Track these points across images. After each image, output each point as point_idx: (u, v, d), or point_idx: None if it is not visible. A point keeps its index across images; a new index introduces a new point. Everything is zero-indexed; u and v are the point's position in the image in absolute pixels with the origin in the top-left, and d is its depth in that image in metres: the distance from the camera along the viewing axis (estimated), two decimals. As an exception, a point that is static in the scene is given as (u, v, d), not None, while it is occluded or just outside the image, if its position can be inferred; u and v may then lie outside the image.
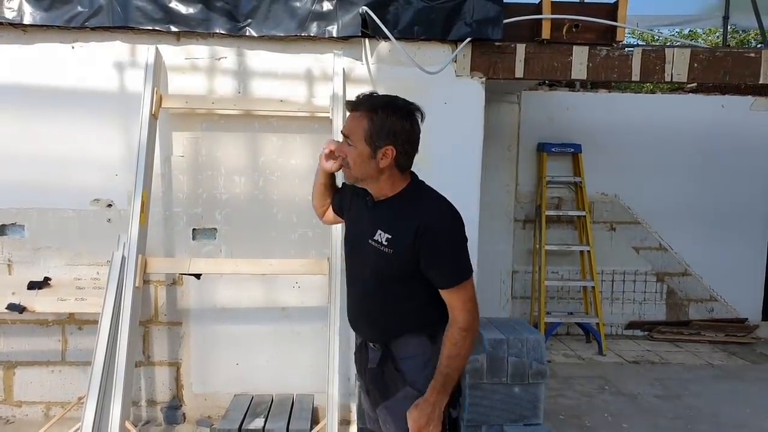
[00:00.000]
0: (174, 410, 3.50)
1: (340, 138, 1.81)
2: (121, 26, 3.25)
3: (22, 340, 3.44)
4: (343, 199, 2.03)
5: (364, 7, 3.28)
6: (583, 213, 5.34)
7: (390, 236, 1.69)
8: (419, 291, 1.74)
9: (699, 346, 5.36)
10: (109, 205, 3.42)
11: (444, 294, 1.70)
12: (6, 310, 3.10)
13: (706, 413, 3.83)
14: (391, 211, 1.74)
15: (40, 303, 3.17)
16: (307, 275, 3.41)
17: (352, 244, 1.88)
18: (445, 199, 1.75)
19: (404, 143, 1.70)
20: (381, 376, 1.82)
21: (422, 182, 1.81)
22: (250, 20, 3.30)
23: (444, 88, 3.45)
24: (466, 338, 1.67)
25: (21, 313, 3.10)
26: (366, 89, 3.37)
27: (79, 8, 3.21)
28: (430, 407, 1.66)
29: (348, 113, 1.77)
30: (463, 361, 1.69)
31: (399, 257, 1.68)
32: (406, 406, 1.70)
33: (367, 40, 3.43)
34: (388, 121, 1.67)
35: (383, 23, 3.24)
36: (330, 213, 2.15)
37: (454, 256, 1.69)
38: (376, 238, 1.72)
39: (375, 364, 1.83)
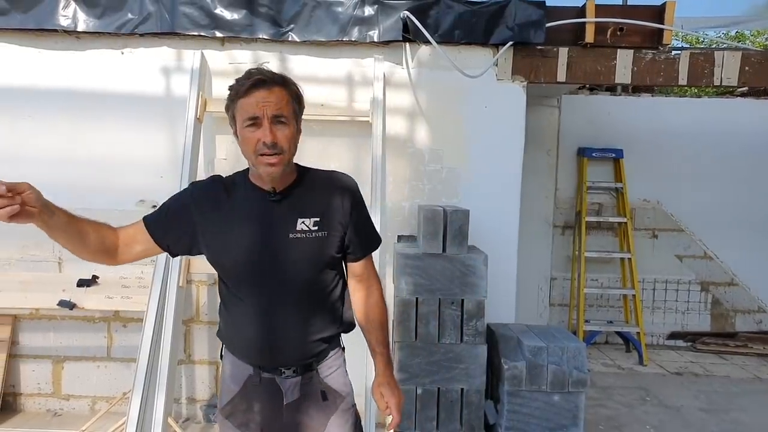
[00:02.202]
0: (213, 408, 3.56)
1: None
2: (168, 32, 3.35)
3: (70, 335, 3.57)
4: (170, 217, 1.65)
5: (406, 12, 3.29)
6: (624, 219, 5.22)
7: (318, 218, 1.56)
8: (340, 278, 1.69)
9: (746, 359, 5.16)
10: (154, 206, 3.48)
11: (363, 263, 1.70)
12: (57, 306, 3.22)
13: (754, 428, 3.68)
14: (304, 194, 1.58)
15: (89, 300, 3.27)
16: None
17: (248, 251, 1.55)
18: None
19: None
20: (313, 404, 1.64)
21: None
22: (292, 25, 3.35)
23: (485, 92, 3.43)
24: (384, 301, 1.76)
25: (71, 309, 3.21)
26: (406, 93, 3.47)
27: (130, 15, 3.31)
28: (393, 379, 1.73)
29: (256, 91, 1.46)
30: (388, 325, 1.77)
31: (334, 237, 1.59)
32: (349, 416, 1.70)
33: (407, 45, 3.44)
34: (300, 93, 1.57)
35: (424, 27, 3.25)
36: (134, 249, 1.63)
37: (371, 220, 1.74)
38: (299, 228, 1.54)
39: (297, 394, 1.62)
